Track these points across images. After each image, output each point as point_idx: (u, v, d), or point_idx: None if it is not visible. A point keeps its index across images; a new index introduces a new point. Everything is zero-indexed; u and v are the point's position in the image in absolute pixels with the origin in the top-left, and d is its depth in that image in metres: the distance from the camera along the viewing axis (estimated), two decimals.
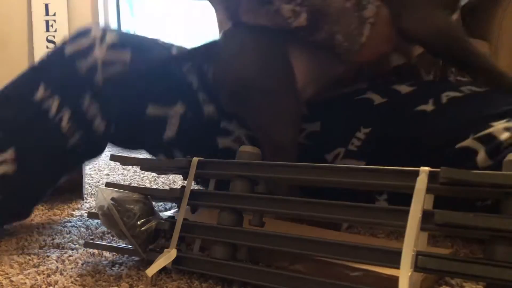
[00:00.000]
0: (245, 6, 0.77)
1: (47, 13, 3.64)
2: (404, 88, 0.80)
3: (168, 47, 0.86)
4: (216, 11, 0.85)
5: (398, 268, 0.43)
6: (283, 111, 0.73)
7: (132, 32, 0.87)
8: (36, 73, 0.78)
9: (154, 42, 0.86)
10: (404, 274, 0.43)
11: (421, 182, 0.45)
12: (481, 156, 0.63)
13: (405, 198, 0.46)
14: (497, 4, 2.59)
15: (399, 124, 0.76)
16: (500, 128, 0.64)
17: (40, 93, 0.75)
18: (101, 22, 3.69)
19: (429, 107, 0.74)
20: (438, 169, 0.45)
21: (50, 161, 0.77)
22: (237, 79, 0.75)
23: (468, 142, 0.66)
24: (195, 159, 0.62)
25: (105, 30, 0.80)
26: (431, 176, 0.45)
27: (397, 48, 0.79)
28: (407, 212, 0.45)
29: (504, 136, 0.63)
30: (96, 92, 0.77)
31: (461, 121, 0.70)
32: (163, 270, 0.59)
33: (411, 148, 0.72)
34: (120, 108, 0.77)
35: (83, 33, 0.80)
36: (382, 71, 0.84)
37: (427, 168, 0.46)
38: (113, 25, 3.75)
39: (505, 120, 0.65)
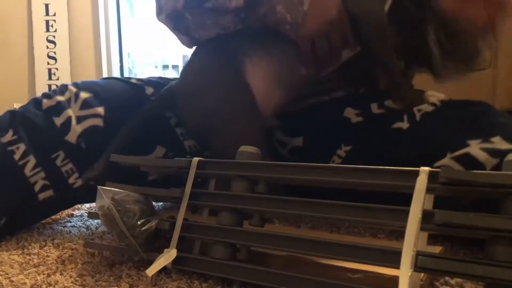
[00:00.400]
0: (192, 22, 0.79)
1: (47, 13, 3.64)
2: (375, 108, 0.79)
3: (141, 86, 0.86)
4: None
5: (398, 268, 0.43)
6: (247, 135, 0.75)
7: (106, 83, 0.85)
8: (11, 117, 0.79)
9: (127, 87, 0.85)
10: (404, 274, 0.43)
11: (421, 182, 0.45)
12: None
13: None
14: None
15: (378, 143, 0.75)
16: (477, 148, 0.63)
17: (7, 136, 0.77)
18: (101, 22, 3.69)
19: (404, 124, 0.73)
20: (438, 169, 0.45)
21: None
22: (200, 119, 0.76)
23: (446, 162, 0.65)
24: (195, 159, 0.62)
25: (80, 87, 0.81)
26: (431, 176, 0.45)
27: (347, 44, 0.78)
28: (407, 212, 0.45)
29: (484, 158, 0.61)
30: (69, 151, 0.77)
31: (436, 138, 0.68)
32: (163, 270, 0.59)
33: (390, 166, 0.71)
34: (97, 159, 0.76)
35: (60, 89, 0.82)
36: (335, 64, 0.81)
37: (427, 168, 0.46)
38: (113, 28, 3.75)
39: (480, 139, 0.63)
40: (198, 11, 0.80)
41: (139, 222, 0.59)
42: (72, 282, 0.59)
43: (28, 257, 0.68)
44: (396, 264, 0.44)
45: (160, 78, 0.92)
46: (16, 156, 0.76)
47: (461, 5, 0.75)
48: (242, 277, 0.54)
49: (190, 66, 0.81)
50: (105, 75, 3.72)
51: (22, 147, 0.76)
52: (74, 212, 0.97)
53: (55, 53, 3.66)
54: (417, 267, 0.43)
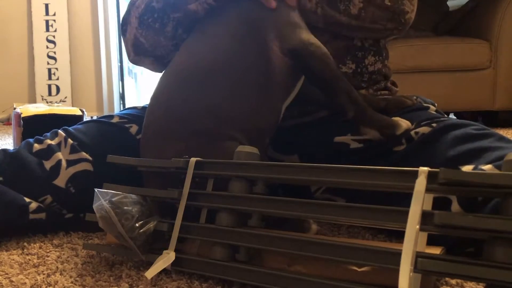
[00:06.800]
0: (148, 45, 0.87)
1: (47, 13, 3.65)
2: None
3: (123, 126, 0.84)
4: None
5: (398, 269, 0.43)
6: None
7: (89, 129, 0.84)
8: (1, 157, 0.79)
9: (110, 129, 0.84)
10: (404, 275, 0.43)
11: (420, 183, 0.45)
12: (455, 208, 0.60)
13: None
14: (497, 4, 2.60)
15: (374, 165, 0.73)
16: None
17: None
18: (101, 22, 3.69)
19: (402, 147, 0.72)
20: (437, 170, 0.45)
21: None
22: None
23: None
24: (193, 159, 0.62)
25: (68, 133, 0.81)
26: (430, 177, 0.45)
27: None
28: (406, 213, 0.45)
29: None
30: (58, 195, 0.77)
31: (429, 163, 0.67)
32: (163, 269, 0.59)
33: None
34: (87, 203, 0.70)
35: (51, 134, 0.82)
36: None
37: (426, 169, 0.46)
38: (113, 28, 3.75)
39: (473, 166, 0.61)
40: (147, 31, 0.85)
41: (137, 224, 0.59)
42: (72, 282, 0.59)
43: (28, 257, 0.68)
44: (396, 265, 0.44)
45: (143, 108, 0.90)
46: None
47: None
48: (241, 278, 0.54)
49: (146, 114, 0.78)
50: (104, 75, 3.72)
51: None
52: None
53: (55, 53, 3.66)
54: (416, 268, 0.43)
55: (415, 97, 0.86)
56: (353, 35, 0.85)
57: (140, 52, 0.90)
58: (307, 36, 0.73)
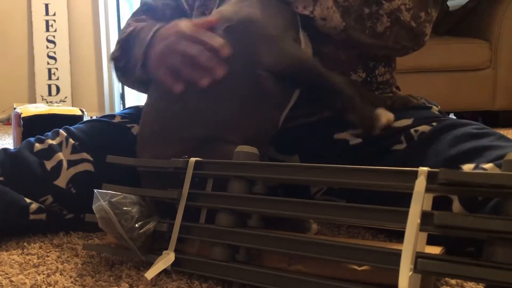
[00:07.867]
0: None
1: (47, 13, 3.65)
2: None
3: (126, 126, 0.84)
4: None
5: (397, 269, 0.43)
6: None
7: (92, 129, 0.84)
8: (2, 156, 0.78)
9: (112, 129, 0.84)
10: (404, 275, 0.43)
11: (420, 184, 0.45)
12: (456, 206, 0.60)
13: None
14: (497, 4, 2.60)
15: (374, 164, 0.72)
16: None
17: None
18: (101, 22, 3.69)
19: (402, 145, 0.72)
20: (437, 170, 0.45)
21: None
22: None
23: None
24: (192, 160, 0.62)
25: (69, 133, 0.81)
26: (430, 177, 0.45)
27: None
28: (406, 213, 0.45)
29: None
30: (58, 195, 0.76)
31: (430, 162, 0.66)
32: (163, 269, 0.59)
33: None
34: (87, 204, 0.69)
35: (52, 133, 0.82)
36: None
37: (425, 169, 0.46)
38: (113, 28, 3.75)
39: (473, 165, 0.61)
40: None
41: (137, 225, 0.59)
42: (72, 282, 0.59)
43: (28, 257, 0.68)
44: (396, 265, 0.44)
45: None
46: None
47: None
48: (241, 278, 0.54)
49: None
50: (105, 75, 3.72)
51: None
52: None
53: (55, 53, 3.66)
54: (416, 268, 0.43)
55: (419, 97, 0.86)
56: (372, 52, 0.84)
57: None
58: (289, 47, 0.71)
